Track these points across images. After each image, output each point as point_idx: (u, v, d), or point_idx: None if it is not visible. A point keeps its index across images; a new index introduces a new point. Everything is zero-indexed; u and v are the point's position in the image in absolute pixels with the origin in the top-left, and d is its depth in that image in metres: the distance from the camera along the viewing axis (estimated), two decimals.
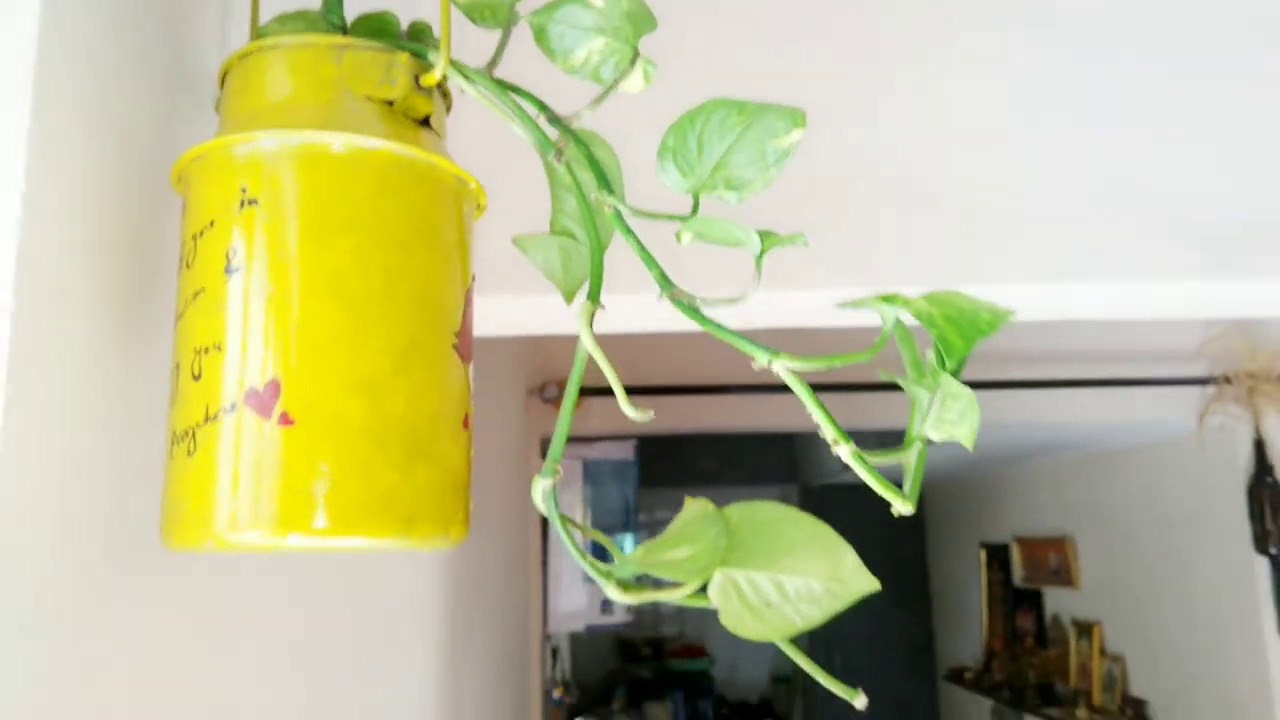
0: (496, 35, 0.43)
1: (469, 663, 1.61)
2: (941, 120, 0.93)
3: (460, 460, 0.39)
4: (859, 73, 0.88)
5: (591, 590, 2.97)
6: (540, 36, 0.43)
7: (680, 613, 5.90)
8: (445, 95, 0.45)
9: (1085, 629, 3.86)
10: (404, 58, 0.41)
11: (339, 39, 0.41)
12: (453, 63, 0.42)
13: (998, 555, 4.72)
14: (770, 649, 5.82)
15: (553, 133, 0.43)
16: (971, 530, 5.06)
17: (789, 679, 5.68)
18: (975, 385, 0.32)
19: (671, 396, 2.70)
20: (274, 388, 0.35)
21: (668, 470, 4.48)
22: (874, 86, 0.90)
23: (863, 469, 0.32)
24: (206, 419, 0.35)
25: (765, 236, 0.34)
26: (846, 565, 0.37)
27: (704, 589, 0.37)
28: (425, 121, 0.42)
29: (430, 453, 0.37)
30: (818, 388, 0.33)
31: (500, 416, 2.07)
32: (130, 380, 0.42)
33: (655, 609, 5.87)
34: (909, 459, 0.34)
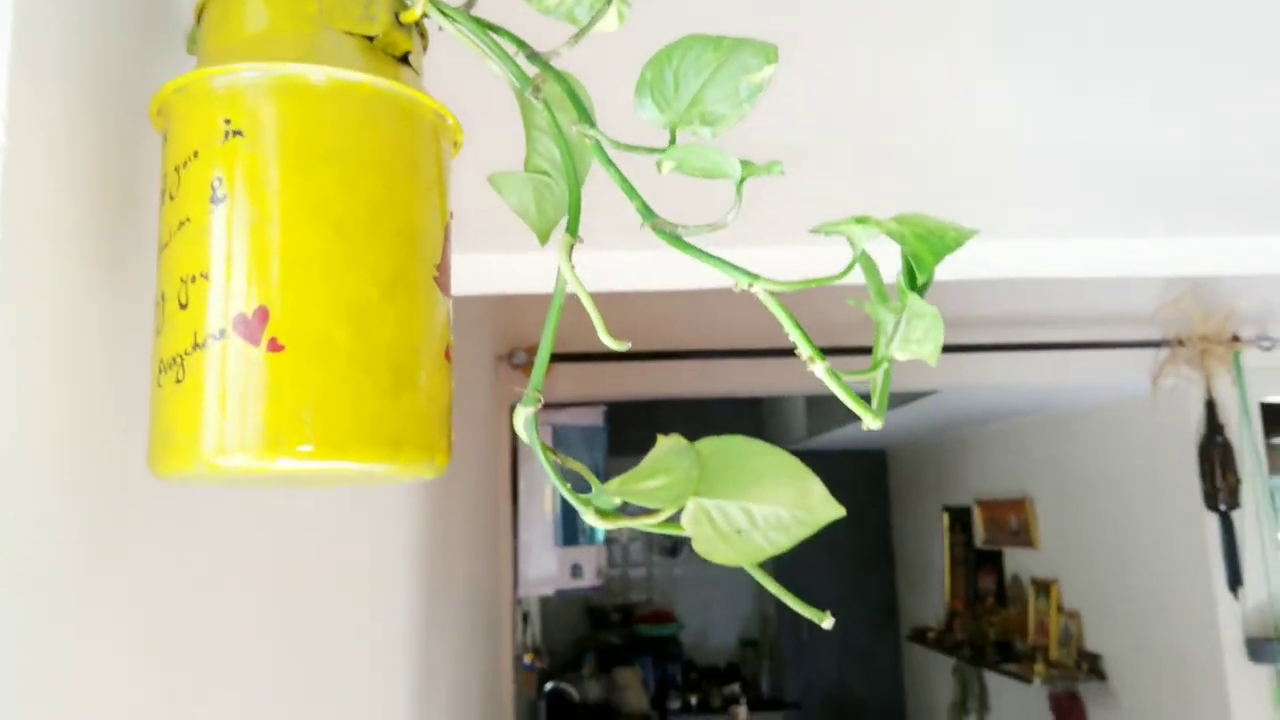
0: None
1: (443, 626, 1.63)
2: (913, 82, 0.95)
3: (443, 390, 0.40)
4: (824, 33, 0.89)
5: (561, 555, 3.00)
6: None
7: (649, 579, 5.96)
8: (423, 34, 0.45)
9: (1043, 587, 3.97)
10: None
11: None
12: (432, 0, 0.42)
13: (960, 518, 4.82)
14: (737, 615, 5.91)
15: (530, 71, 0.43)
16: (934, 494, 5.16)
17: (756, 643, 5.78)
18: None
19: (641, 362, 2.71)
20: (262, 314, 0.35)
21: (637, 436, 4.47)
22: (846, 46, 0.91)
23: (835, 384, 0.33)
24: (195, 346, 0.35)
25: (744, 165, 0.35)
26: (814, 494, 0.39)
27: (677, 517, 0.39)
28: (404, 59, 0.43)
29: (415, 380, 0.38)
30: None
31: (469, 383, 2.07)
32: (115, 313, 0.42)
33: (624, 576, 5.92)
34: (875, 378, 0.36)
